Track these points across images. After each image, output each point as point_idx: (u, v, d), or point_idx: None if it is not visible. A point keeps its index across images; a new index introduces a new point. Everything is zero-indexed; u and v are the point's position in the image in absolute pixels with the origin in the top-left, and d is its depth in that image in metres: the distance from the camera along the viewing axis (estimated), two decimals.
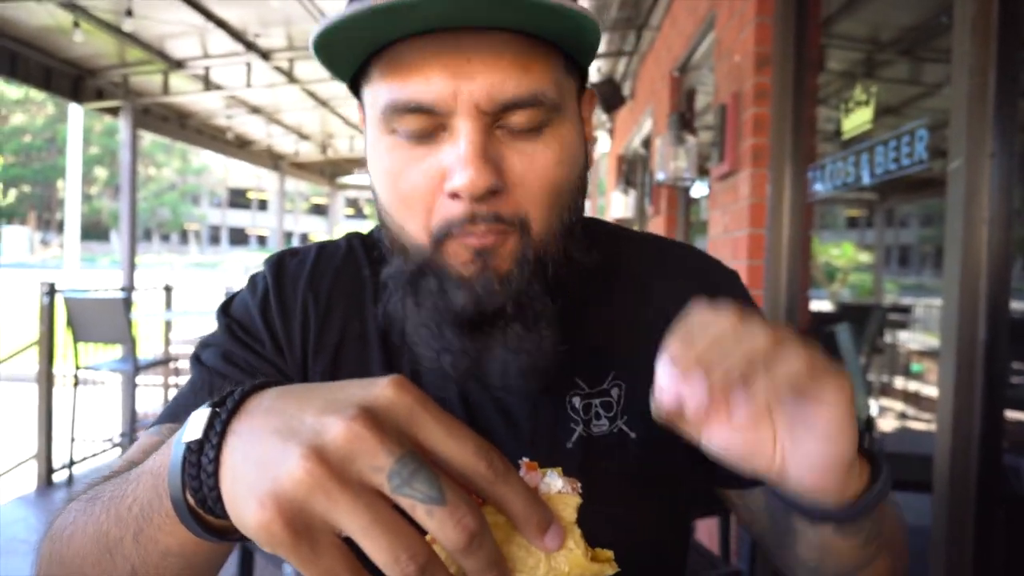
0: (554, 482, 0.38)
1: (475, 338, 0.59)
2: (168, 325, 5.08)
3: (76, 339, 3.96)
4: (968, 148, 1.30)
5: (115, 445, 4.34)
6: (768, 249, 2.27)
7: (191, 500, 0.38)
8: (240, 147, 8.23)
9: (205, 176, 45.21)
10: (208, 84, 5.51)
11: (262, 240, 52.10)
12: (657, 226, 4.27)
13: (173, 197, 42.26)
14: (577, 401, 0.67)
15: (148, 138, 8.17)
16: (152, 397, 5.33)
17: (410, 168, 0.58)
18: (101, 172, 38.79)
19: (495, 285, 0.58)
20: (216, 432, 0.37)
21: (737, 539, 2.01)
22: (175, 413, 0.64)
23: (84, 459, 4.05)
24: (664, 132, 3.31)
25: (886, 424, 4.42)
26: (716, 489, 0.73)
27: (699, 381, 0.42)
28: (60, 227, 38.39)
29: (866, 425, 2.89)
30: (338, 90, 5.97)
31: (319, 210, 46.67)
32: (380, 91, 0.58)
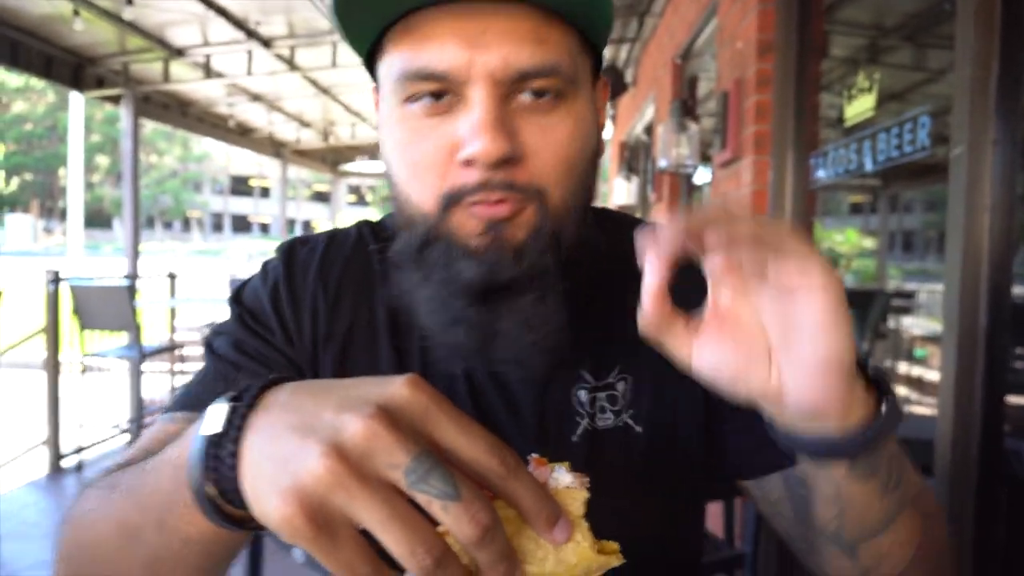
0: (562, 477, 0.39)
1: (485, 310, 0.58)
2: (172, 312, 5.10)
3: (82, 327, 3.99)
4: (970, 135, 1.30)
5: (123, 431, 4.38)
6: None
7: (212, 492, 0.39)
8: (242, 135, 8.20)
9: (207, 163, 45.12)
10: (209, 72, 5.49)
11: (264, 227, 52.07)
12: (660, 213, 4.26)
13: (175, 184, 42.20)
14: (583, 394, 0.67)
15: (149, 126, 8.16)
16: (158, 384, 5.37)
17: (422, 138, 0.57)
18: (103, 160, 38.73)
19: (507, 257, 0.57)
20: (235, 427, 0.38)
21: (742, 522, 2.03)
22: (188, 401, 0.65)
23: (92, 445, 4.09)
24: (666, 119, 3.30)
25: None
26: (735, 483, 0.70)
27: (679, 226, 0.42)
28: (63, 215, 38.37)
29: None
30: (339, 78, 5.95)
31: (321, 197, 46.63)
32: (395, 61, 0.58)
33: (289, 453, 0.35)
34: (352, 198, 48.88)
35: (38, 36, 4.64)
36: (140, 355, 4.00)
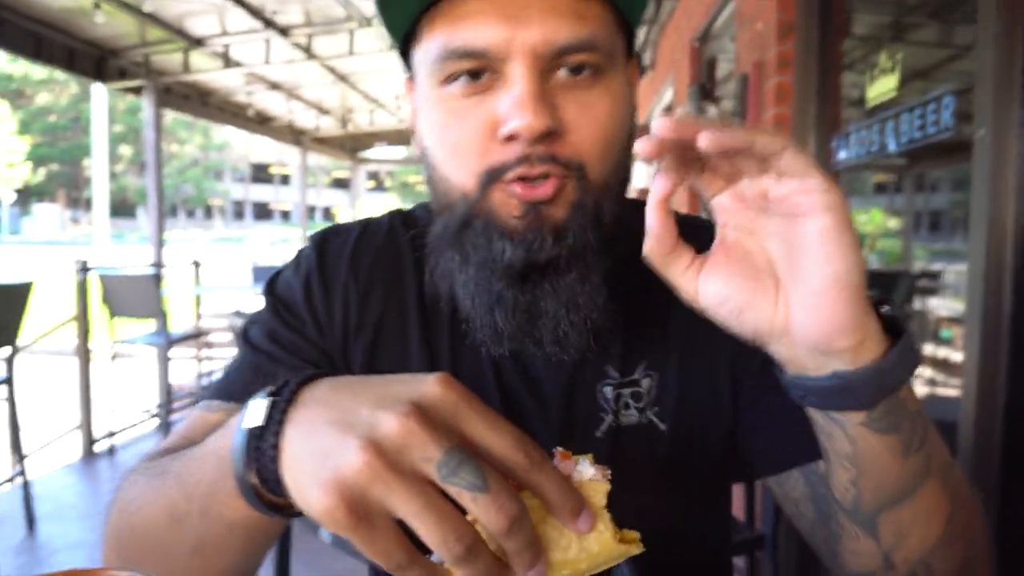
0: (586, 470, 0.41)
1: (526, 290, 0.58)
2: (198, 299, 5.19)
3: (111, 314, 4.08)
4: (993, 118, 1.29)
5: (152, 416, 4.49)
6: None
7: (254, 481, 0.41)
8: (261, 123, 8.27)
9: (227, 152, 45.49)
10: (228, 62, 5.54)
11: (285, 215, 52.48)
12: (679, 197, 4.24)
13: (196, 173, 42.65)
14: (608, 391, 0.67)
15: (170, 115, 8.23)
16: (185, 369, 5.47)
17: (460, 118, 0.57)
18: (126, 150, 39.24)
19: (547, 236, 0.56)
20: (275, 421, 0.40)
21: (762, 504, 2.04)
22: (225, 390, 0.67)
23: (123, 429, 4.19)
24: (685, 103, 3.28)
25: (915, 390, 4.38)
26: (757, 479, 0.70)
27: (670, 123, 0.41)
28: (88, 205, 39.00)
29: None
30: (357, 66, 5.96)
31: (341, 184, 46.79)
32: (432, 43, 0.58)
33: (329, 448, 0.37)
34: (371, 184, 49.01)
35: (60, 29, 4.71)
36: (167, 342, 4.09)
